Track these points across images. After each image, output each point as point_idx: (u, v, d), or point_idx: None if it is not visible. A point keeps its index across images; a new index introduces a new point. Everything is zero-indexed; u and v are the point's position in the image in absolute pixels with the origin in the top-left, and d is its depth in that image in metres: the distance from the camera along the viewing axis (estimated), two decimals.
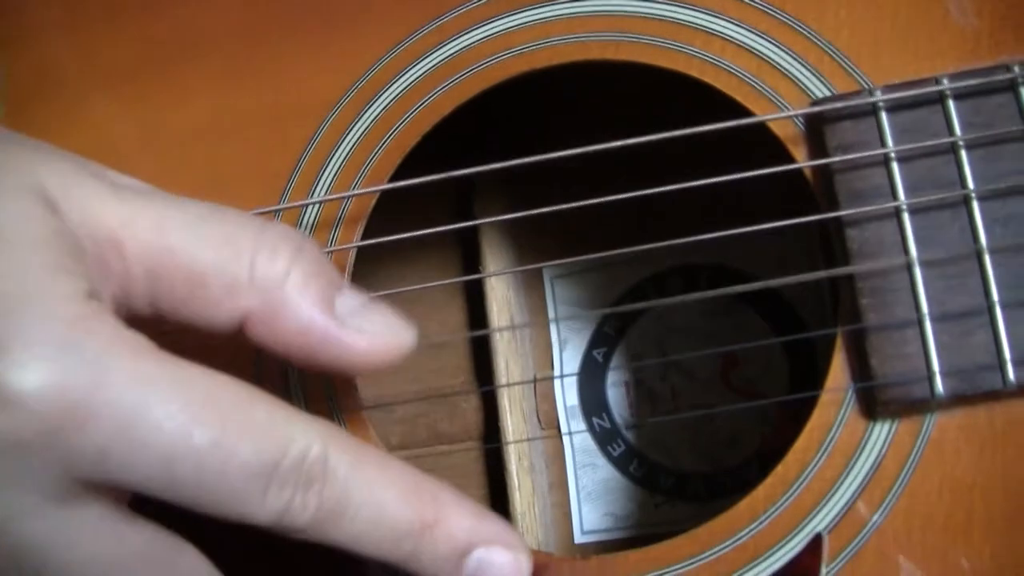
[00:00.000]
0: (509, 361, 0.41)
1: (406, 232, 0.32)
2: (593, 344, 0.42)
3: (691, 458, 0.41)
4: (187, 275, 0.26)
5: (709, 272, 0.42)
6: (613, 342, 0.42)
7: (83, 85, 0.36)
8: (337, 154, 0.34)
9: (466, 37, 0.33)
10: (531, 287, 0.43)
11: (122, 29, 0.37)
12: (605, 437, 0.41)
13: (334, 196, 0.33)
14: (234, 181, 0.34)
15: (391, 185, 0.33)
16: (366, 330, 0.28)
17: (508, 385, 0.40)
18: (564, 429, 0.41)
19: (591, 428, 0.41)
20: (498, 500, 0.40)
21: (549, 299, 0.42)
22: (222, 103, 0.35)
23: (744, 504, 0.30)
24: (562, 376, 0.41)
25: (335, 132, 0.34)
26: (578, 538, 0.41)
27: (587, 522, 0.41)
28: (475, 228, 0.41)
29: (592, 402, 0.41)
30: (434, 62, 0.33)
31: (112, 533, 0.26)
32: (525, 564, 0.27)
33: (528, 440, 0.40)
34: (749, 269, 0.42)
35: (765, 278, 0.33)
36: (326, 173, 0.34)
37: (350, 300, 0.28)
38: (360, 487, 0.26)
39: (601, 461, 0.41)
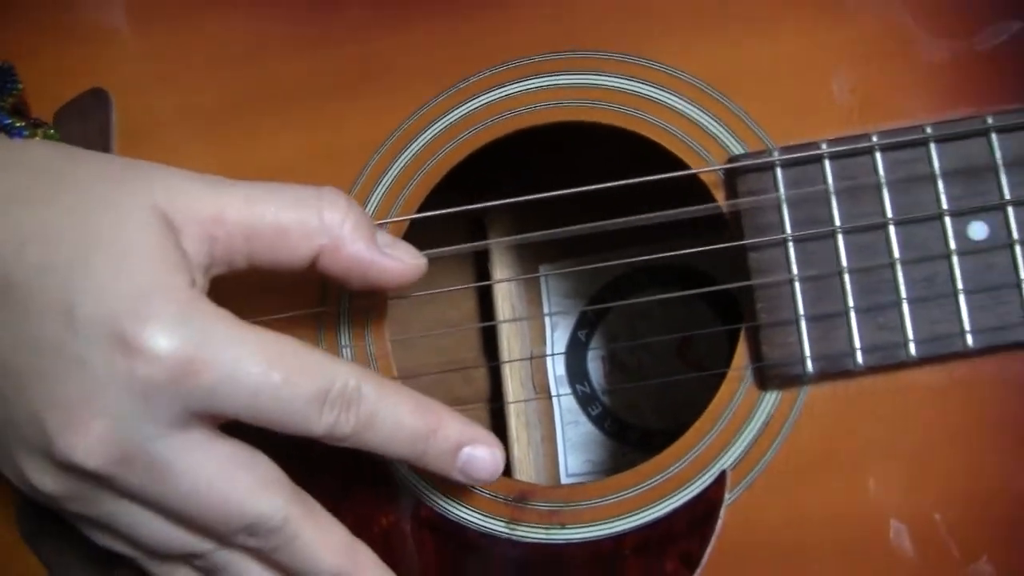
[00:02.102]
0: (511, 341, 0.54)
1: (433, 247, 0.46)
2: (578, 327, 0.55)
3: (654, 417, 0.55)
4: (274, 230, 0.40)
5: (678, 272, 0.55)
6: (593, 325, 0.55)
7: (179, 128, 0.50)
8: (380, 186, 0.47)
9: (477, 100, 0.47)
10: (530, 282, 0.56)
11: (210, 80, 0.50)
12: (586, 400, 0.55)
13: (379, 221, 0.47)
14: None
15: (420, 215, 0.46)
16: (397, 257, 0.42)
17: (510, 361, 0.53)
18: (553, 393, 0.55)
19: (575, 393, 0.55)
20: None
21: (544, 292, 0.56)
22: (288, 144, 0.48)
23: (674, 448, 0.43)
24: (552, 354, 0.55)
25: (379, 169, 0.47)
26: (563, 479, 0.55)
27: (571, 467, 0.55)
28: (484, 236, 0.55)
29: (576, 372, 0.55)
30: (454, 117, 0.47)
31: (212, 445, 0.39)
32: (500, 457, 0.41)
33: (525, 402, 0.54)
34: (711, 272, 0.55)
35: (722, 280, 0.46)
36: (371, 200, 0.47)
37: (384, 238, 0.42)
38: (384, 406, 0.39)
39: (582, 419, 0.55)
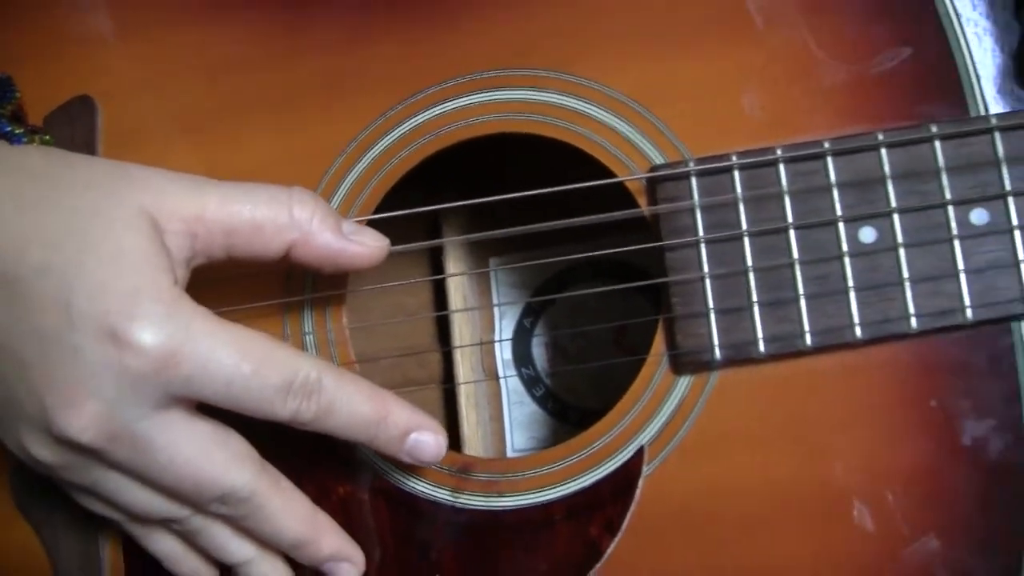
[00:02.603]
0: (462, 328, 0.60)
1: (392, 243, 0.51)
2: (523, 315, 0.61)
3: (592, 398, 0.61)
4: (250, 226, 0.46)
5: (616, 266, 0.61)
6: (538, 313, 0.61)
7: (162, 132, 0.55)
8: (342, 187, 0.53)
9: (429, 112, 0.52)
10: (480, 275, 0.62)
11: (191, 87, 0.55)
12: (530, 382, 0.61)
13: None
14: None
15: (377, 216, 0.52)
16: (362, 242, 0.48)
17: (461, 347, 0.59)
18: (500, 376, 0.61)
19: (520, 375, 0.61)
20: (452, 428, 0.60)
21: (493, 283, 0.62)
22: (262, 148, 0.54)
23: (599, 425, 0.49)
24: (500, 340, 0.60)
25: (341, 171, 0.53)
26: (509, 454, 0.61)
27: (516, 443, 0.61)
28: (439, 233, 0.60)
29: (521, 357, 0.61)
30: (409, 127, 0.52)
31: (190, 425, 0.45)
32: (443, 442, 0.48)
33: (474, 383, 0.60)
34: (646, 267, 0.61)
35: (656, 274, 0.51)
36: (334, 200, 0.53)
37: (349, 227, 0.48)
38: (341, 396, 0.45)
39: (527, 400, 0.61)
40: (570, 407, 0.60)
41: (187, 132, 0.55)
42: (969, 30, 0.60)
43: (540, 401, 0.61)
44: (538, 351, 0.61)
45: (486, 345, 0.61)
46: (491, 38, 0.52)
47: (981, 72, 0.60)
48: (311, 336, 0.53)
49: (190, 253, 0.46)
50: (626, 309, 0.60)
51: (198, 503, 0.46)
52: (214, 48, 0.55)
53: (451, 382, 0.60)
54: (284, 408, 0.45)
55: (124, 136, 0.55)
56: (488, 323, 0.62)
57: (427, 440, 0.48)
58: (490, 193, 0.51)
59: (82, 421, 0.43)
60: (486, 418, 0.61)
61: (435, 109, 0.52)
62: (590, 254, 0.51)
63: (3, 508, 0.54)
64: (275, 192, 0.47)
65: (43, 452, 0.45)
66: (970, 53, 0.49)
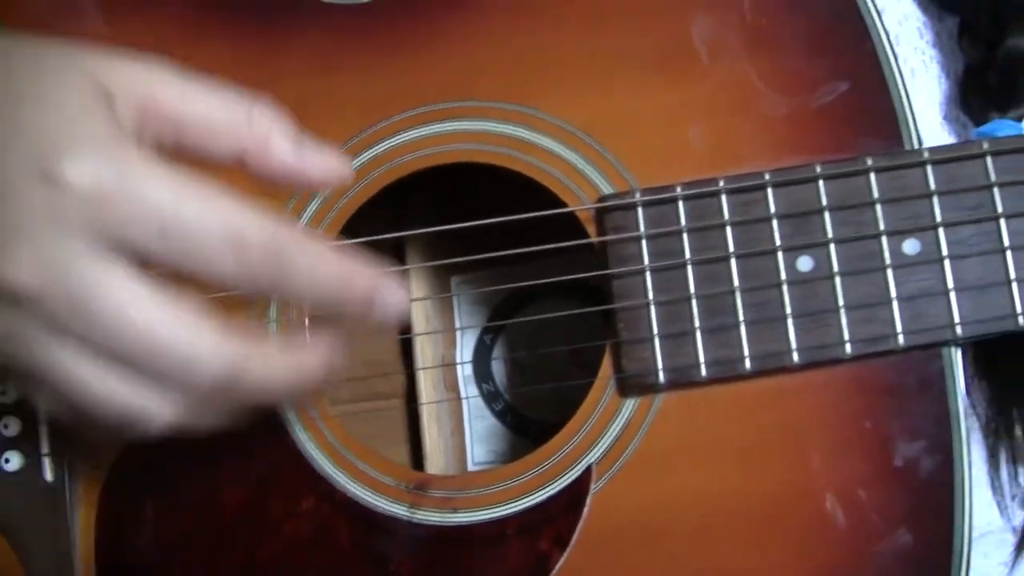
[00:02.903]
0: (425, 346, 0.63)
1: None
2: (484, 332, 0.64)
3: (550, 412, 0.63)
4: (205, 127, 0.43)
5: (574, 287, 0.63)
6: (497, 331, 0.64)
7: None
8: (308, 209, 0.55)
9: (391, 140, 0.54)
10: (443, 291, 0.65)
11: None
12: (490, 397, 0.64)
13: None
14: None
15: (341, 242, 0.54)
16: (322, 160, 0.44)
17: (424, 369, 0.62)
18: (461, 392, 0.63)
19: (480, 391, 0.63)
20: (415, 440, 0.63)
21: (455, 302, 0.64)
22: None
23: (550, 444, 0.52)
24: (461, 362, 0.63)
25: (306, 194, 0.55)
26: (469, 466, 0.64)
27: (477, 456, 0.63)
28: (403, 253, 0.63)
29: (481, 372, 0.63)
30: (374, 153, 0.54)
31: (132, 279, 0.39)
32: (406, 296, 0.44)
33: (437, 402, 0.63)
34: (602, 288, 0.63)
35: (608, 298, 0.53)
36: (303, 219, 0.55)
37: (309, 143, 0.44)
38: (301, 254, 0.41)
39: (487, 414, 0.64)
40: (529, 421, 0.63)
41: None
42: (916, 58, 0.63)
43: (499, 415, 0.63)
44: (497, 368, 0.63)
45: (447, 358, 0.64)
46: (451, 70, 0.54)
47: (929, 98, 0.63)
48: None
49: (138, 128, 0.43)
50: (583, 326, 0.63)
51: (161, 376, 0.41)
52: (196, 69, 0.57)
53: (414, 398, 0.63)
54: (233, 265, 0.40)
55: None
56: (450, 340, 0.64)
57: (392, 295, 0.44)
58: (454, 211, 0.53)
59: (13, 266, 0.39)
60: (448, 431, 0.63)
61: (397, 138, 0.55)
62: (539, 281, 0.54)
63: None
64: (236, 99, 0.44)
65: None
66: (904, 88, 0.51)
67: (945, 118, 0.63)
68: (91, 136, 0.40)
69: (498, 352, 0.64)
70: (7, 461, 0.55)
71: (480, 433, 0.63)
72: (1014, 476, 0.58)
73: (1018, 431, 0.58)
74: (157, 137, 0.43)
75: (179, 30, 0.58)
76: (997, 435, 0.58)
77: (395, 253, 0.64)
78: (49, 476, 0.55)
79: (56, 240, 0.39)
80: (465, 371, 0.63)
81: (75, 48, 0.43)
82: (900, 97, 0.51)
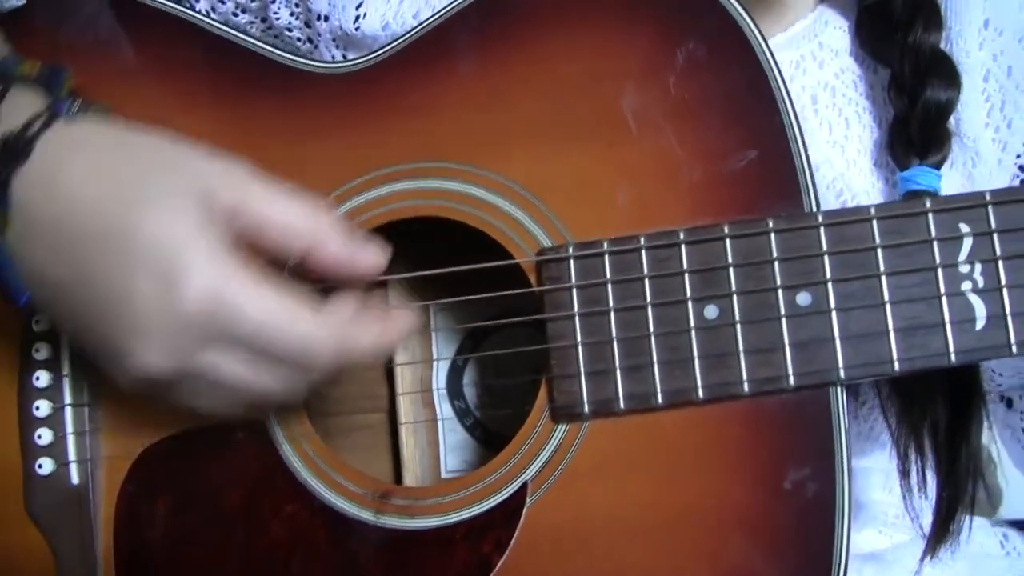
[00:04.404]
0: (405, 368, 0.75)
1: None
2: (457, 354, 0.76)
3: (514, 427, 0.75)
4: (280, 228, 0.58)
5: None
6: (469, 353, 0.75)
7: None
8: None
9: (361, 197, 0.66)
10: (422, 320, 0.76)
11: None
12: (462, 413, 0.76)
13: None
14: None
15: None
16: (365, 256, 0.59)
17: (403, 394, 0.74)
18: (436, 408, 0.75)
19: (453, 407, 0.75)
20: (394, 450, 0.75)
21: (432, 327, 0.76)
22: None
23: (493, 462, 0.63)
24: (437, 389, 0.75)
25: None
26: (443, 475, 0.76)
27: (449, 465, 0.75)
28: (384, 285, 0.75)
29: (454, 391, 0.75)
30: (345, 209, 0.67)
31: (235, 357, 0.57)
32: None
33: (414, 420, 0.75)
34: None
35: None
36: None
37: (359, 238, 0.60)
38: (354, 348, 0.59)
39: (459, 428, 0.75)
40: (495, 434, 0.75)
41: None
42: (851, 108, 0.73)
43: (470, 429, 0.75)
44: (468, 387, 0.75)
45: (424, 379, 0.76)
46: (409, 135, 0.66)
47: (862, 145, 0.73)
48: None
49: (232, 229, 0.57)
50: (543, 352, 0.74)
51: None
52: (186, 131, 0.69)
53: (395, 412, 0.75)
54: (306, 368, 0.58)
55: None
56: (427, 361, 0.76)
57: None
58: (432, 247, 0.66)
59: (152, 352, 0.56)
60: (424, 443, 0.75)
61: (362, 196, 0.66)
62: (490, 322, 0.66)
63: (16, 513, 0.70)
64: (303, 201, 0.59)
65: (134, 387, 0.58)
66: (806, 157, 0.61)
67: (875, 164, 0.73)
68: (205, 253, 0.55)
69: (469, 374, 0.75)
70: (40, 467, 0.68)
71: (452, 444, 0.75)
72: (923, 487, 0.69)
73: (927, 445, 0.69)
74: (240, 233, 0.57)
75: (169, 96, 0.70)
76: (908, 449, 0.69)
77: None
78: (75, 480, 0.68)
79: (178, 339, 0.55)
80: (440, 390, 0.75)
81: (180, 153, 0.58)
82: (802, 165, 0.61)
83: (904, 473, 0.69)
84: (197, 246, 0.55)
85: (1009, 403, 0.80)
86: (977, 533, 0.81)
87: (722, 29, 0.63)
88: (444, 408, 0.75)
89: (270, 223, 0.58)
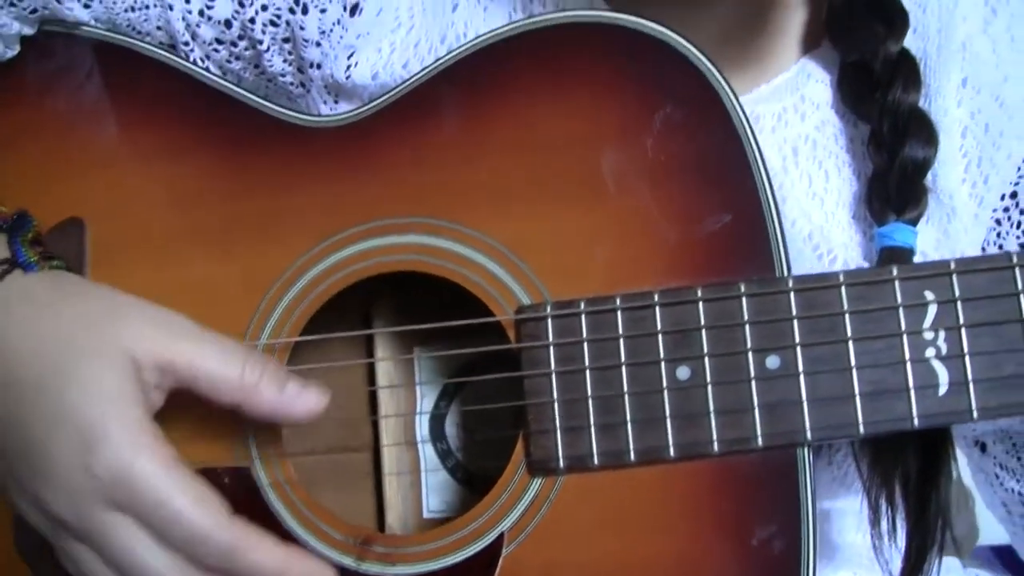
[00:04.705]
0: (389, 409, 0.77)
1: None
2: (440, 398, 0.78)
3: (495, 470, 0.78)
4: (207, 381, 0.63)
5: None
6: (451, 397, 0.78)
7: (135, 253, 0.72)
8: (277, 308, 0.70)
9: (343, 251, 0.69)
10: (406, 365, 0.79)
11: (159, 215, 0.73)
12: (444, 455, 0.78)
13: (275, 340, 0.69)
14: (222, 317, 0.70)
15: (305, 337, 0.69)
16: (301, 403, 0.64)
17: (389, 445, 0.77)
18: (419, 449, 0.78)
19: (435, 449, 0.78)
20: (378, 490, 0.78)
21: (416, 373, 0.79)
22: (212, 272, 0.70)
23: (471, 512, 0.66)
24: (421, 441, 0.77)
25: (276, 296, 0.70)
26: (425, 515, 0.79)
27: (431, 505, 0.78)
28: (371, 326, 0.78)
29: (437, 434, 0.78)
30: (329, 263, 0.69)
31: (132, 530, 0.60)
32: None
33: (397, 461, 0.77)
34: None
35: None
36: (272, 317, 0.70)
37: (293, 388, 0.64)
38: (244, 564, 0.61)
39: (441, 470, 0.78)
40: (476, 476, 0.78)
41: (156, 253, 0.72)
42: (831, 161, 0.75)
43: (451, 471, 0.78)
44: (450, 429, 0.78)
45: (408, 421, 0.78)
46: (394, 190, 0.68)
47: (840, 197, 0.75)
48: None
49: (163, 385, 0.63)
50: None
51: None
52: (176, 182, 0.72)
53: (378, 450, 0.78)
54: (195, 552, 0.60)
55: (108, 253, 0.72)
56: (411, 405, 0.79)
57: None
58: (416, 293, 0.70)
59: (60, 505, 0.61)
60: (406, 483, 0.78)
61: (348, 249, 0.69)
62: (468, 379, 0.69)
63: (5, 549, 0.73)
64: (233, 354, 0.64)
65: (41, 523, 0.63)
66: (779, 221, 0.64)
67: (854, 216, 0.76)
68: (121, 428, 0.60)
69: (451, 416, 0.78)
70: None
71: (434, 485, 0.78)
72: (893, 536, 0.72)
73: (898, 494, 0.71)
74: (176, 385, 0.63)
75: (159, 145, 0.72)
76: (879, 498, 0.72)
77: (363, 323, 0.79)
78: None
79: (86, 491, 0.60)
80: (423, 432, 0.78)
81: (111, 314, 0.63)
82: (774, 230, 0.64)
83: (875, 522, 0.71)
84: (118, 416, 0.60)
85: (983, 448, 0.83)
86: None
87: (699, 94, 0.65)
88: (426, 450, 0.78)
89: (200, 377, 0.63)
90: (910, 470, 0.71)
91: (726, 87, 0.65)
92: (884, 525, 0.71)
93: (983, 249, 0.77)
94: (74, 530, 0.62)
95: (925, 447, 0.70)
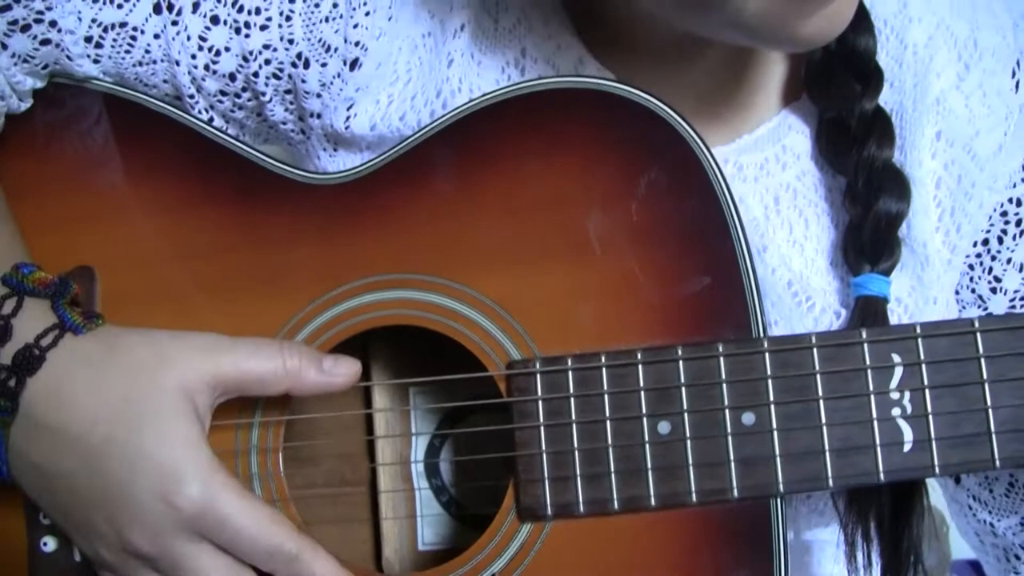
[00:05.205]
0: (386, 446, 0.83)
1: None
2: (434, 435, 0.84)
3: (486, 505, 0.83)
4: (256, 379, 0.70)
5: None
6: (444, 437, 0.84)
7: (144, 301, 0.77)
8: None
9: (345, 304, 0.74)
10: (402, 401, 0.85)
11: (167, 266, 0.78)
12: (438, 490, 0.84)
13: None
14: None
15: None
16: (339, 374, 0.71)
17: (383, 464, 0.82)
18: (414, 484, 0.84)
19: (430, 484, 0.84)
20: (375, 524, 0.83)
21: (412, 408, 0.84)
22: (218, 322, 0.76)
23: (465, 555, 0.72)
24: (416, 476, 0.83)
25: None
26: (420, 547, 0.84)
27: (426, 538, 0.84)
28: (368, 367, 0.83)
29: (431, 469, 0.84)
30: (330, 315, 0.74)
31: (214, 555, 0.68)
32: None
33: (393, 490, 0.83)
34: None
35: None
36: None
37: (328, 363, 0.71)
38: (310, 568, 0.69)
39: (435, 504, 0.84)
40: (469, 511, 0.83)
41: (164, 302, 0.77)
42: (811, 210, 0.80)
43: (445, 506, 0.84)
44: (444, 465, 0.84)
45: (403, 454, 0.84)
46: (391, 247, 0.74)
47: (819, 245, 0.80)
48: (255, 454, 0.76)
49: (213, 401, 0.70)
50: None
51: None
52: (182, 234, 0.77)
53: (376, 485, 0.84)
54: (268, 565, 0.69)
55: (117, 302, 0.78)
56: (407, 442, 0.85)
57: None
58: (413, 342, 0.76)
59: (145, 539, 0.67)
60: (402, 516, 0.84)
61: (347, 303, 0.74)
62: (461, 430, 0.74)
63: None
64: (272, 350, 0.71)
65: (111, 558, 0.69)
66: (755, 285, 0.69)
67: (832, 263, 0.81)
68: (196, 470, 0.67)
69: (445, 452, 0.84)
70: (45, 544, 0.77)
71: (429, 520, 0.84)
72: (869, 569, 0.78)
73: (873, 530, 0.77)
74: (226, 395, 0.71)
75: (171, 195, 0.77)
76: (855, 534, 0.77)
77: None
78: (78, 557, 0.76)
79: (169, 531, 0.67)
80: (418, 468, 0.84)
81: (158, 357, 0.69)
82: (751, 292, 0.69)
83: (851, 556, 0.77)
84: (190, 458, 0.67)
85: (957, 479, 0.89)
86: None
87: (682, 160, 0.70)
88: (421, 484, 0.84)
89: (248, 379, 0.70)
90: (884, 509, 0.76)
91: (708, 154, 0.70)
92: (860, 559, 0.77)
93: (957, 292, 0.83)
94: (154, 561, 0.68)
95: (898, 487, 0.76)
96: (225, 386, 0.70)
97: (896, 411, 0.67)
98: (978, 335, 0.67)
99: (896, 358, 0.67)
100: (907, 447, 0.67)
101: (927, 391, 0.67)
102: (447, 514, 0.84)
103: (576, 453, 0.70)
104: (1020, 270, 0.82)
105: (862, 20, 0.79)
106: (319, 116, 0.82)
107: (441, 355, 0.76)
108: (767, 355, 0.68)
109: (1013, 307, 0.82)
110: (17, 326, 0.69)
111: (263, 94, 0.81)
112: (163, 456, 0.67)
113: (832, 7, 0.67)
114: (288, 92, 0.82)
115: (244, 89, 0.82)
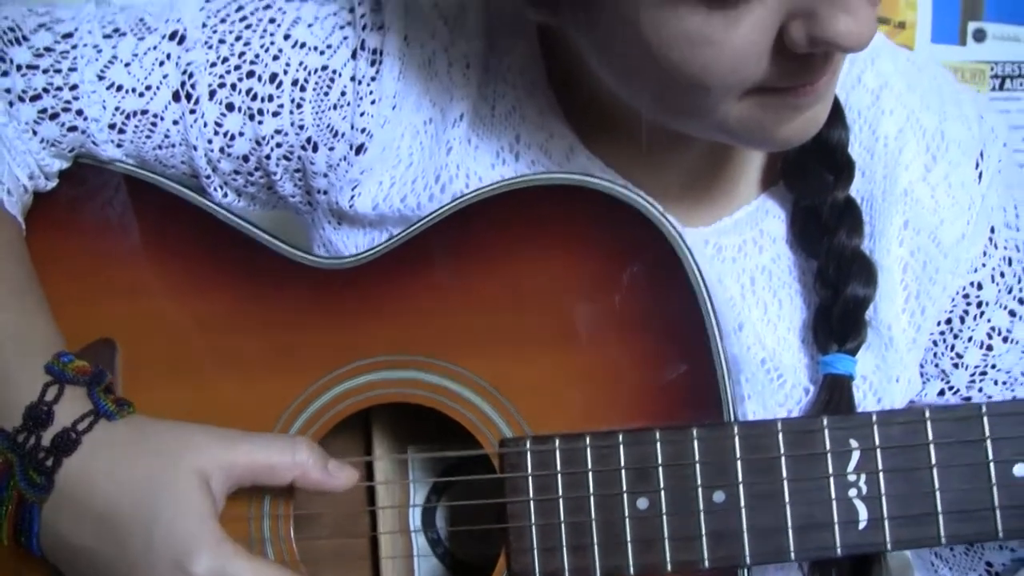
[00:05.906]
0: (385, 502, 0.92)
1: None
2: (431, 492, 0.94)
3: (480, 558, 0.93)
4: (267, 468, 0.78)
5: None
6: (441, 493, 0.93)
7: (163, 372, 0.87)
8: (292, 429, 0.85)
9: (347, 383, 0.83)
10: (401, 464, 0.94)
11: (184, 339, 0.87)
12: (434, 543, 0.94)
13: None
14: None
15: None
16: (340, 477, 0.80)
17: (385, 532, 0.92)
18: (412, 537, 0.94)
19: (427, 538, 0.94)
20: (375, 572, 0.93)
21: (410, 471, 0.94)
22: (234, 394, 0.85)
23: None
24: (413, 530, 0.93)
25: (289, 420, 0.85)
26: None
27: None
28: (370, 431, 0.92)
29: (428, 524, 0.93)
30: (335, 393, 0.84)
31: None
32: None
33: (392, 549, 0.93)
34: None
35: None
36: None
37: (333, 466, 0.80)
38: None
39: (432, 557, 0.94)
40: (462, 563, 0.93)
41: (182, 375, 0.86)
42: (785, 291, 0.89)
43: (441, 558, 0.93)
44: (440, 520, 0.94)
45: (401, 513, 0.94)
46: (393, 330, 0.83)
47: (792, 324, 0.90)
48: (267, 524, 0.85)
49: (226, 487, 0.78)
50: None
51: None
52: (199, 312, 0.86)
53: (376, 539, 0.93)
54: None
55: (136, 373, 0.87)
56: (405, 499, 0.94)
57: None
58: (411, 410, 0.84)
59: None
60: (401, 567, 0.93)
61: (352, 381, 0.83)
62: (455, 503, 0.84)
63: None
64: (284, 443, 0.79)
65: None
66: (727, 373, 0.79)
67: (803, 342, 0.90)
68: (206, 539, 0.74)
69: (441, 511, 0.94)
70: None
71: (426, 570, 0.94)
72: None
73: None
74: (240, 482, 0.78)
75: (189, 274, 0.86)
76: None
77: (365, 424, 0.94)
78: None
79: None
80: (415, 522, 0.94)
81: (180, 441, 0.78)
82: (724, 380, 0.78)
83: None
84: (205, 531, 0.75)
85: None
86: None
87: (663, 256, 0.79)
88: (418, 538, 0.93)
89: (260, 467, 0.78)
90: (844, 571, 0.86)
91: (687, 252, 0.79)
92: None
93: (922, 367, 0.92)
94: None
95: None
96: (240, 473, 0.78)
97: (853, 492, 0.76)
98: (928, 423, 0.76)
99: (854, 443, 0.77)
100: (862, 524, 0.76)
101: (881, 474, 0.76)
102: (443, 566, 0.93)
103: (563, 525, 0.79)
104: (980, 347, 0.91)
105: (836, 114, 0.87)
106: (325, 192, 0.91)
107: (439, 424, 0.85)
108: (737, 438, 0.77)
109: (973, 381, 0.92)
110: (57, 411, 0.78)
111: (274, 173, 0.90)
112: (177, 526, 0.75)
113: (808, 113, 0.76)
114: (297, 171, 0.91)
115: (256, 168, 0.91)
